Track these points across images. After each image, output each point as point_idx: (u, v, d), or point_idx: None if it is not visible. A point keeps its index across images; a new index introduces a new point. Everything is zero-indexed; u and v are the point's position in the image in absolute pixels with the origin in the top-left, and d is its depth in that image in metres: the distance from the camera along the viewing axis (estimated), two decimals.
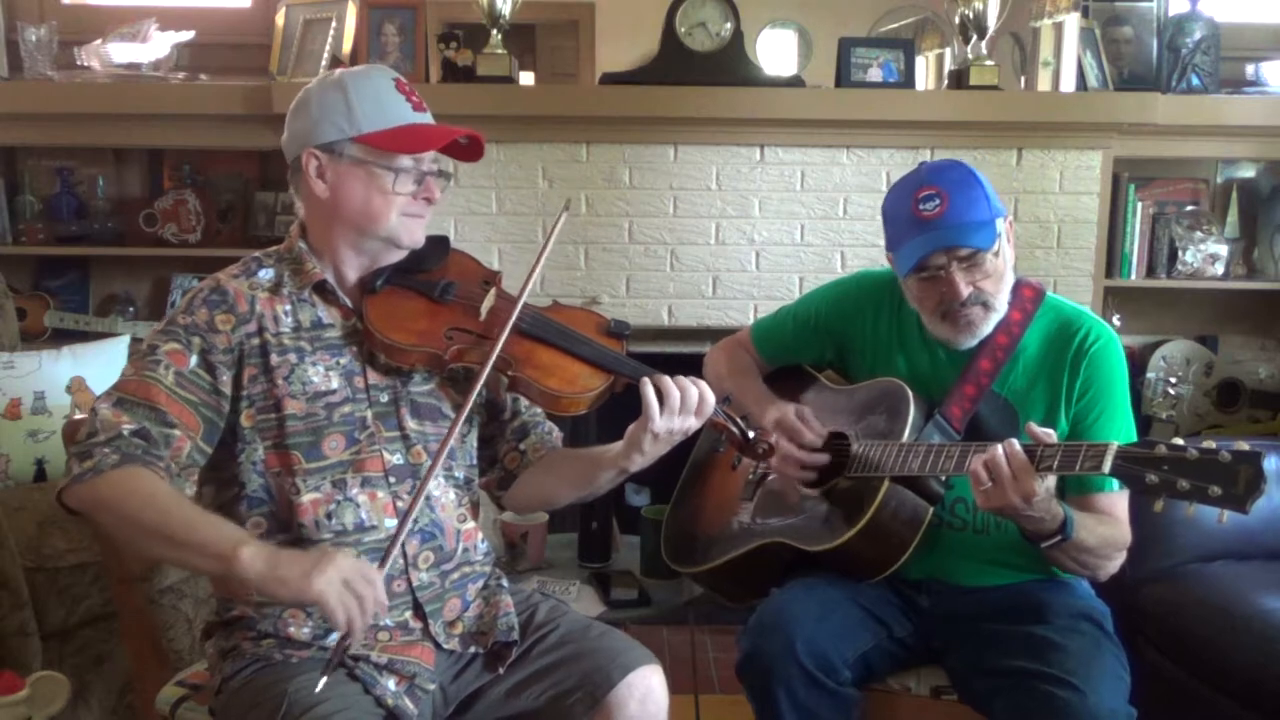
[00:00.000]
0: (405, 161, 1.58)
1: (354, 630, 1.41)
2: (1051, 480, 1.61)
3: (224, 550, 1.41)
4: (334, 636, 1.55)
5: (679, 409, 1.55)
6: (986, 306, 1.79)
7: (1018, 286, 1.86)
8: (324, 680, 1.43)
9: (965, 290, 1.76)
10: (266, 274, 1.63)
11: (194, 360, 1.54)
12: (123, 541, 1.63)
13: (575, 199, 3.11)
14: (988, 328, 1.81)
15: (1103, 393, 1.81)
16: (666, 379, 1.57)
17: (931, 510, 1.79)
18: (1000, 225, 1.78)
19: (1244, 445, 1.43)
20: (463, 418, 1.58)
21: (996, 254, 1.77)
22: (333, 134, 1.57)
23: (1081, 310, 1.90)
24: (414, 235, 1.63)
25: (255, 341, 1.57)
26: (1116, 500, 1.78)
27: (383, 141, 1.57)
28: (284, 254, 1.66)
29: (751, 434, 1.66)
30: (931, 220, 1.74)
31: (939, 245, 1.73)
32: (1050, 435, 1.59)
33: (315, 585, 1.38)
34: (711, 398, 1.59)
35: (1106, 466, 1.50)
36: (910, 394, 1.83)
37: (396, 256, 1.64)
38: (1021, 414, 1.82)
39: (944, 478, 1.76)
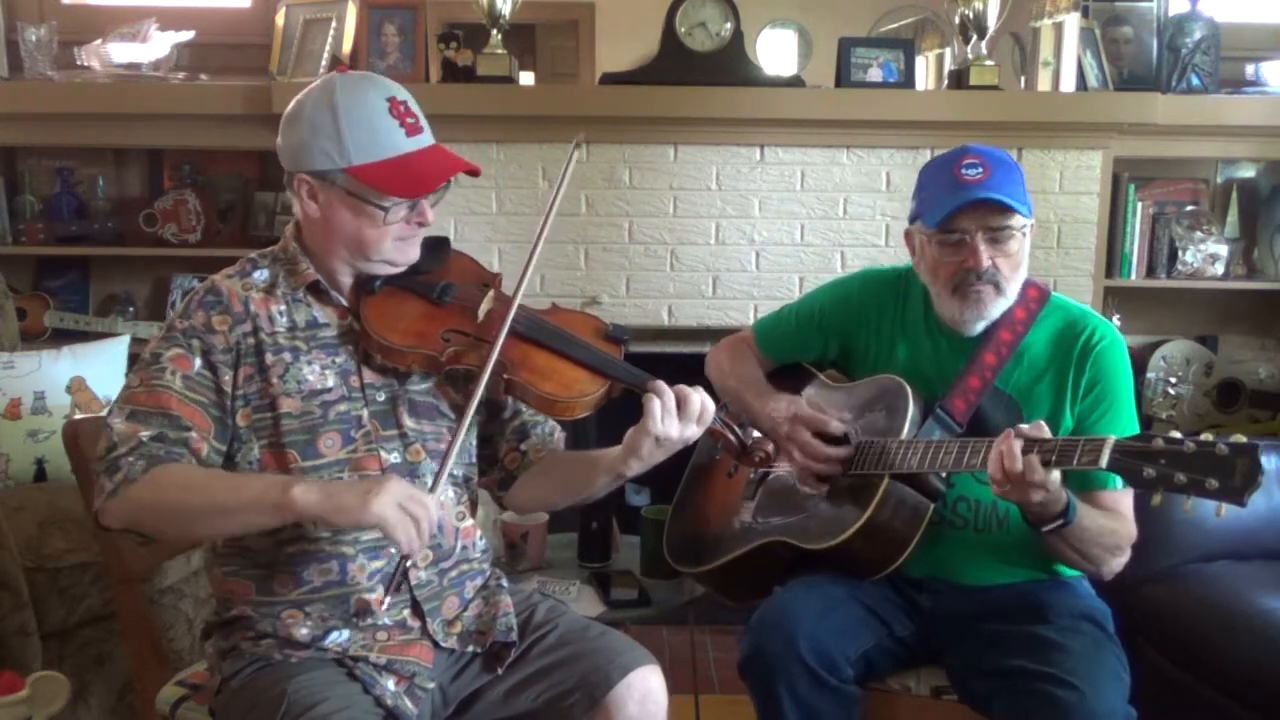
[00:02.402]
0: (396, 197, 1.55)
1: (413, 549, 1.43)
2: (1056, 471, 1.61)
3: (276, 497, 1.43)
4: (332, 637, 1.56)
5: (680, 416, 1.55)
6: (998, 288, 1.79)
7: (1023, 285, 1.86)
8: (388, 599, 1.48)
9: (985, 261, 1.76)
10: (261, 275, 1.63)
11: (198, 363, 1.55)
12: (173, 535, 1.64)
13: (575, 199, 3.12)
14: (995, 311, 1.82)
15: (1108, 391, 1.82)
16: (663, 384, 1.56)
17: (932, 507, 1.79)
18: (1028, 218, 1.81)
19: (1241, 438, 1.43)
20: (465, 424, 1.57)
21: (1023, 234, 1.79)
22: (323, 162, 1.54)
23: (1086, 310, 1.91)
24: (408, 255, 1.62)
25: (251, 341, 1.57)
26: (1120, 498, 1.79)
27: (373, 179, 1.53)
28: (279, 254, 1.65)
29: (749, 441, 1.65)
30: (973, 183, 1.75)
31: (978, 196, 1.74)
32: (1041, 428, 1.60)
33: (374, 508, 1.40)
34: (711, 405, 1.58)
35: (1104, 461, 1.50)
36: (909, 390, 1.84)
37: (392, 271, 1.63)
38: (1025, 411, 1.83)
39: (944, 474, 1.76)
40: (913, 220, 1.87)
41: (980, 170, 1.76)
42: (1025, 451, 1.57)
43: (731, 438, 1.64)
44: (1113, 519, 1.76)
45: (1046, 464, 1.56)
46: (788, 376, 2.09)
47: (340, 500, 1.41)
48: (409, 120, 1.57)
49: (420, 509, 1.42)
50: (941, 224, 1.77)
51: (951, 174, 1.78)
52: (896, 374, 1.89)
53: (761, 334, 2.13)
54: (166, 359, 1.54)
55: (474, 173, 1.61)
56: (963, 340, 1.86)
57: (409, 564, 1.47)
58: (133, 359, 1.64)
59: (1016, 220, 1.77)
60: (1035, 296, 1.87)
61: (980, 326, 1.83)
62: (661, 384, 1.56)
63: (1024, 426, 1.61)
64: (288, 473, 1.55)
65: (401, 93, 1.58)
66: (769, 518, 1.94)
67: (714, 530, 2.04)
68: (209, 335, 1.55)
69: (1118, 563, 1.78)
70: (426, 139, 1.59)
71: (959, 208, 1.75)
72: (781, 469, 1.95)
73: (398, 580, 1.48)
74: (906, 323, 1.95)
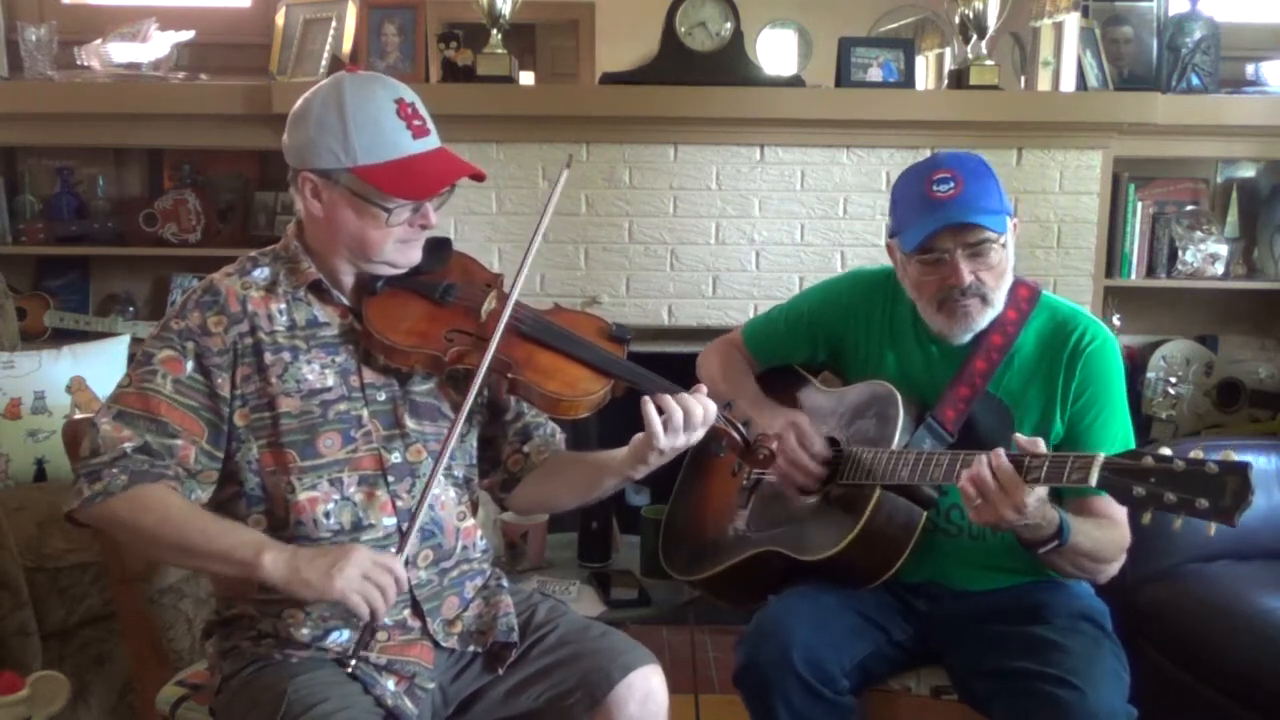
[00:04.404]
0: (400, 199, 1.55)
1: (378, 617, 1.47)
2: (1043, 488, 1.59)
3: (246, 557, 1.46)
4: (333, 637, 1.56)
5: (682, 427, 1.55)
6: (984, 300, 1.77)
7: (1014, 285, 1.84)
8: (354, 662, 1.51)
9: (967, 278, 1.74)
10: (262, 273, 1.62)
11: (190, 366, 1.54)
12: (139, 553, 1.65)
13: (575, 199, 3.11)
14: (983, 322, 1.80)
15: (1099, 394, 1.80)
16: (668, 397, 1.55)
17: (925, 515, 1.78)
18: (1008, 221, 1.78)
19: (1232, 456, 1.41)
20: (461, 420, 1.58)
21: (1003, 245, 1.76)
22: (328, 161, 1.53)
23: (1077, 310, 1.88)
24: (409, 256, 1.62)
25: (248, 341, 1.57)
26: (1112, 502, 1.76)
27: (379, 179, 1.53)
28: (280, 253, 1.65)
29: (753, 439, 1.65)
30: (945, 201, 1.72)
31: (951, 221, 1.72)
32: (1038, 444, 1.57)
33: (336, 585, 1.44)
34: (713, 408, 1.58)
35: (1093, 479, 1.48)
36: (899, 398, 1.82)
37: (394, 272, 1.63)
38: (1016, 415, 1.81)
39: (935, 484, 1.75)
40: (891, 235, 1.85)
41: (952, 185, 1.72)
42: (1016, 466, 1.55)
43: (736, 436, 1.64)
44: (1107, 528, 1.73)
45: (1036, 480, 1.54)
46: (780, 378, 2.08)
47: (305, 575, 1.45)
48: (416, 122, 1.56)
49: (385, 576, 1.46)
50: (918, 248, 1.75)
51: (923, 190, 1.74)
52: (887, 380, 1.88)
53: (751, 336, 2.12)
54: (158, 360, 1.54)
55: (479, 177, 1.61)
56: (953, 347, 1.84)
57: (376, 627, 1.50)
58: (132, 359, 1.63)
59: (994, 232, 1.74)
60: (1026, 296, 1.85)
61: (969, 338, 1.82)
62: (664, 398, 1.55)
63: (1009, 445, 1.59)
64: (286, 472, 1.55)
65: (410, 94, 1.58)
66: (762, 526, 1.93)
67: (709, 537, 2.03)
68: (204, 338, 1.55)
69: (1113, 568, 1.77)
70: (433, 141, 1.58)
71: (935, 231, 1.72)
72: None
73: (365, 642, 1.52)
74: (895, 329, 1.93)
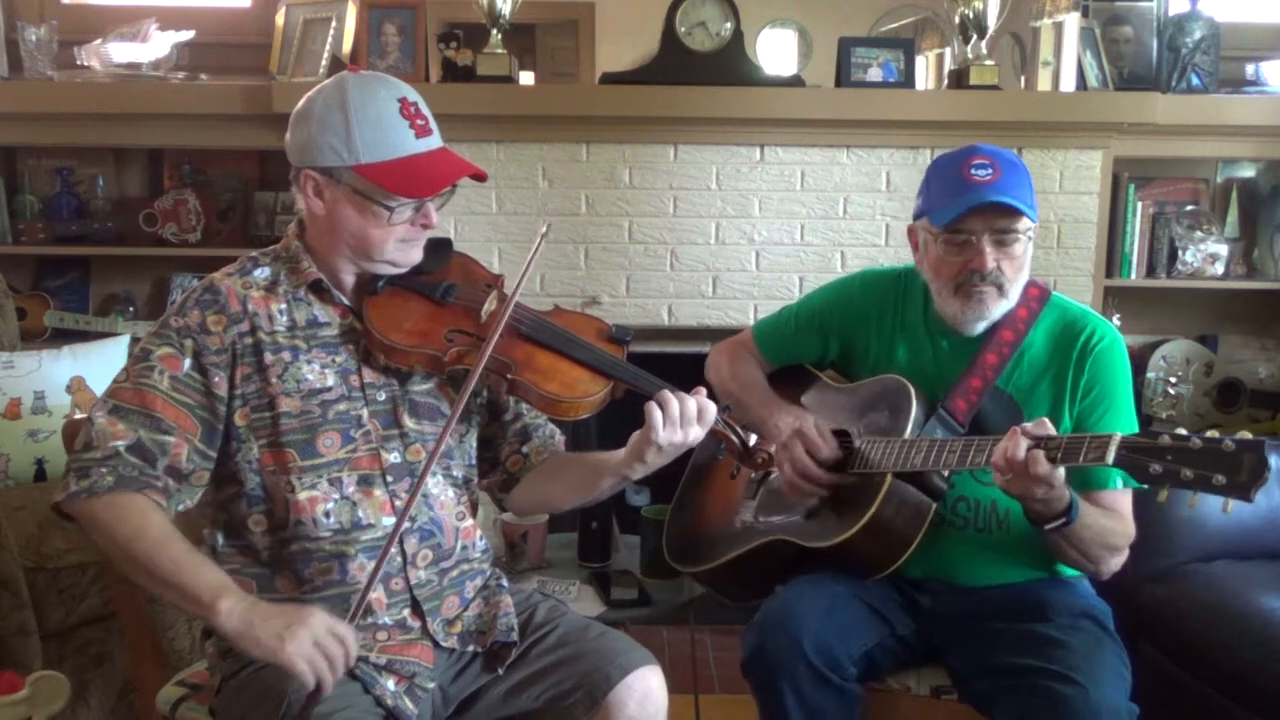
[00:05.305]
0: (403, 198, 1.55)
1: (324, 688, 1.42)
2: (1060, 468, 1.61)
3: (203, 599, 1.44)
4: None
5: (681, 422, 1.55)
6: (1000, 290, 1.80)
7: (1025, 285, 1.86)
8: (323, 696, 1.44)
9: (990, 263, 1.76)
10: (262, 273, 1.62)
11: (187, 363, 1.54)
12: (111, 560, 1.64)
13: (575, 199, 3.11)
14: (996, 312, 1.82)
15: (1107, 392, 1.82)
16: (668, 393, 1.56)
17: (934, 507, 1.79)
18: (1035, 221, 1.81)
19: (1247, 434, 1.43)
20: (455, 419, 1.57)
21: (1029, 238, 1.79)
22: (331, 159, 1.54)
23: (1086, 310, 1.91)
24: (411, 256, 1.62)
25: (248, 340, 1.57)
26: (1120, 497, 1.79)
27: (381, 178, 1.53)
28: (280, 252, 1.65)
29: (751, 442, 1.65)
30: (982, 184, 1.75)
31: (987, 199, 1.74)
32: (1044, 425, 1.59)
33: (287, 649, 1.40)
34: (712, 409, 1.58)
35: (1110, 457, 1.50)
36: (912, 390, 1.84)
37: (395, 272, 1.63)
38: (1026, 411, 1.83)
39: (946, 473, 1.76)
40: (917, 217, 1.87)
41: (990, 171, 1.76)
42: (1032, 448, 1.57)
43: (734, 439, 1.64)
44: (1113, 519, 1.77)
45: (1053, 460, 1.56)
46: (789, 376, 2.09)
47: (256, 632, 1.42)
48: (419, 121, 1.56)
49: (336, 646, 1.43)
50: (950, 225, 1.77)
51: (960, 174, 1.77)
52: (898, 374, 1.89)
53: (761, 336, 2.13)
54: (156, 357, 1.54)
55: (480, 177, 1.61)
56: (964, 340, 1.86)
57: (320, 698, 1.45)
58: (130, 355, 1.64)
59: (1023, 224, 1.77)
60: (1036, 295, 1.88)
61: (981, 327, 1.84)
62: (664, 393, 1.56)
63: (1028, 425, 1.61)
64: (286, 472, 1.55)
65: (412, 94, 1.58)
66: (770, 516, 1.94)
67: (715, 529, 2.04)
68: (203, 336, 1.55)
69: (1116, 562, 1.78)
70: (435, 141, 1.59)
71: (969, 209, 1.75)
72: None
73: (310, 708, 1.45)
74: (906, 324, 1.95)
